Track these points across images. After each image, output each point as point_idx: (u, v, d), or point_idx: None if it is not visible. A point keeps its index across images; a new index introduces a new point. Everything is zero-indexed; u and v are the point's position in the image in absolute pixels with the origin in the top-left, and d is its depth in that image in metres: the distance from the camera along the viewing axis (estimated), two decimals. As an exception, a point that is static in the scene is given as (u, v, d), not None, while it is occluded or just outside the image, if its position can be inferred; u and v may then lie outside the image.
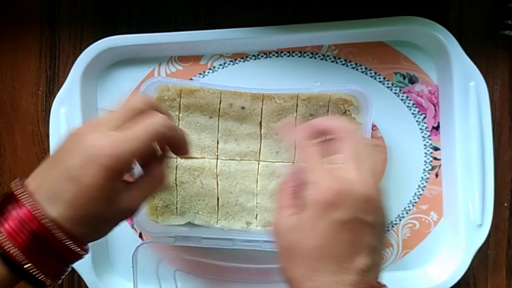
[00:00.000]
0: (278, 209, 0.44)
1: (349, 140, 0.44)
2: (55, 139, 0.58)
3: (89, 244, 0.44)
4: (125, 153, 0.41)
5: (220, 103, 0.56)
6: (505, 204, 0.62)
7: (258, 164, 0.57)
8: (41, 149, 0.62)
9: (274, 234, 0.43)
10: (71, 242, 0.41)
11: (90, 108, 0.59)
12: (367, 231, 0.41)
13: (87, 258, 0.56)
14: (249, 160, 0.57)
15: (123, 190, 0.43)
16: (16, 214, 0.40)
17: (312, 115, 0.56)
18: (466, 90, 0.57)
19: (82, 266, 0.58)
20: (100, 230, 0.44)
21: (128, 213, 0.44)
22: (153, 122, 0.43)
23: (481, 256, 0.61)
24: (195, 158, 0.57)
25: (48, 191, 0.41)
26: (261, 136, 0.57)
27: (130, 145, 0.41)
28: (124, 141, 0.41)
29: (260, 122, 0.57)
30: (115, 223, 0.45)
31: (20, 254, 0.39)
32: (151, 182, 0.46)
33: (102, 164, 0.40)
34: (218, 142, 0.57)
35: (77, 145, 0.41)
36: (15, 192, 0.41)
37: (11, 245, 0.39)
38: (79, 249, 0.42)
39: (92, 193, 0.40)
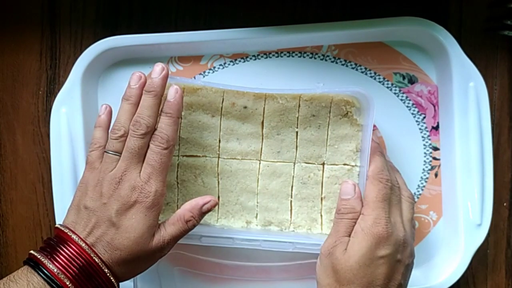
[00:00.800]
0: (336, 234, 0.51)
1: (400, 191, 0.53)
2: (55, 139, 0.58)
3: None
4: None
5: (222, 102, 0.56)
6: (505, 204, 0.62)
7: (259, 163, 0.57)
8: (41, 149, 0.62)
9: (326, 253, 0.50)
10: (113, 275, 0.48)
11: (90, 108, 0.60)
12: (400, 270, 0.49)
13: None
14: (250, 159, 0.57)
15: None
16: (67, 251, 0.47)
17: (314, 115, 0.56)
18: (466, 90, 0.57)
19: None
20: (136, 269, 0.51)
21: (158, 253, 0.50)
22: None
23: (481, 256, 0.62)
24: (196, 156, 0.57)
25: (93, 236, 0.48)
26: (262, 135, 0.57)
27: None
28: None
29: (262, 122, 0.57)
30: (151, 262, 0.51)
31: (72, 285, 0.46)
32: (176, 222, 0.51)
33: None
34: (219, 141, 0.57)
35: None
36: (65, 232, 0.48)
37: (64, 276, 0.46)
38: (116, 283, 0.49)
39: (131, 235, 0.48)
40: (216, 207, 0.57)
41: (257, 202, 0.58)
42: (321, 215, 0.57)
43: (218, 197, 0.57)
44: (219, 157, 0.57)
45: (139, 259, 0.49)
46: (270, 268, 0.59)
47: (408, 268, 0.51)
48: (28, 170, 0.63)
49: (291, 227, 0.58)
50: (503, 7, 0.59)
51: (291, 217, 0.58)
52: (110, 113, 0.55)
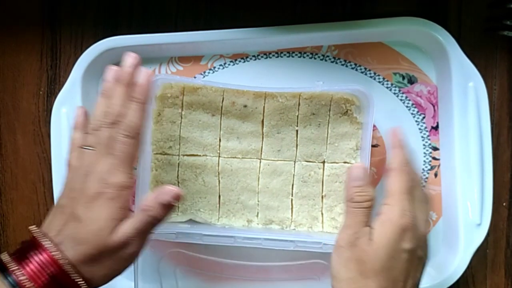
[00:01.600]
0: (355, 224, 0.48)
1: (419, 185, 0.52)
2: (56, 139, 0.59)
3: None
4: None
5: (222, 101, 0.57)
6: (504, 204, 0.62)
7: (260, 162, 0.58)
8: (42, 149, 0.62)
9: (347, 245, 0.48)
10: (85, 283, 0.45)
11: (91, 109, 0.59)
12: (419, 266, 0.48)
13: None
14: (250, 158, 0.57)
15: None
16: (37, 259, 0.44)
17: (313, 114, 0.56)
18: (465, 90, 0.57)
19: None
20: (104, 269, 0.47)
21: (123, 250, 0.47)
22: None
23: (480, 256, 0.62)
24: (197, 155, 0.57)
25: (61, 234, 0.46)
26: (263, 134, 0.57)
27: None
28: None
29: (262, 121, 0.57)
30: (119, 261, 0.47)
31: None
32: (136, 213, 0.48)
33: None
34: (220, 140, 0.57)
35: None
36: (36, 237, 0.46)
37: (32, 285, 0.43)
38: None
39: (90, 227, 0.46)
40: (217, 206, 0.58)
41: (258, 201, 0.58)
42: (322, 213, 0.58)
43: (219, 196, 0.58)
44: (219, 156, 0.57)
45: (103, 255, 0.46)
46: (270, 268, 0.59)
47: (425, 268, 0.50)
48: (29, 170, 0.63)
49: (292, 226, 0.58)
50: (503, 7, 0.60)
51: (292, 216, 0.58)
52: (86, 114, 0.54)
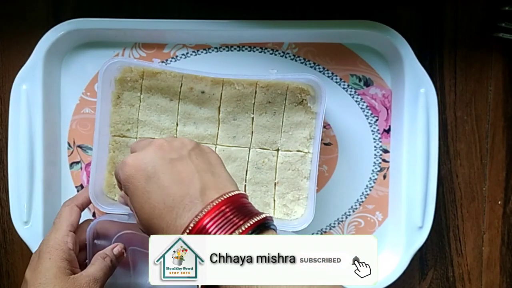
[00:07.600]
0: None
1: None
2: (14, 116, 0.59)
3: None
4: None
5: (181, 86, 0.58)
6: (499, 202, 0.63)
7: (215, 147, 0.58)
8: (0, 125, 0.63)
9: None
10: None
11: (52, 87, 0.60)
12: None
13: (39, 235, 0.58)
14: (206, 143, 0.58)
15: None
16: None
17: (269, 102, 0.57)
18: (416, 96, 0.58)
19: (33, 243, 0.59)
20: None
21: None
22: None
23: (476, 253, 0.63)
24: (153, 139, 0.58)
25: None
26: (219, 120, 0.58)
27: None
28: None
29: (219, 107, 0.58)
30: None
31: None
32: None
33: None
34: (177, 124, 0.58)
35: None
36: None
37: None
38: None
39: None
40: None
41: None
42: (274, 200, 0.59)
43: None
44: (176, 140, 0.58)
45: None
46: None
47: None
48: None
49: (244, 211, 0.59)
50: (498, 10, 0.61)
51: (244, 201, 0.59)
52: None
